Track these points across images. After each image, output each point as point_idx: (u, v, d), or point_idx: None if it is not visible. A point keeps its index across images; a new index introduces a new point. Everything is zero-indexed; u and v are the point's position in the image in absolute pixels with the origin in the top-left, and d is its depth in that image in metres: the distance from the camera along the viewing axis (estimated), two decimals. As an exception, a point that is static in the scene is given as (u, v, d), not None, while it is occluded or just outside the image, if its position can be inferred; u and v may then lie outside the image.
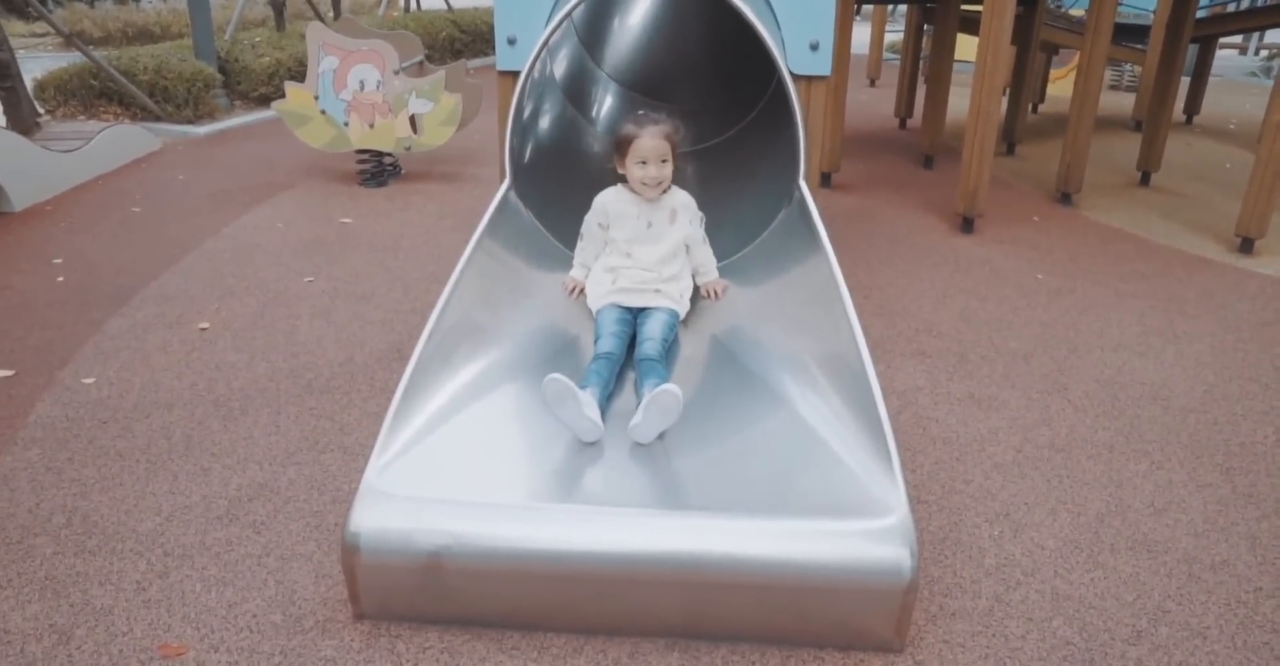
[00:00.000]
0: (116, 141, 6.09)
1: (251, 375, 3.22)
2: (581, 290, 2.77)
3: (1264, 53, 13.60)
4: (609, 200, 2.76)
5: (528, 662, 2.00)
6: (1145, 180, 6.14)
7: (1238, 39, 13.66)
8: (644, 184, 2.66)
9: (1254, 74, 12.10)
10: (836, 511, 2.01)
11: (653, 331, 2.49)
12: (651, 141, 2.64)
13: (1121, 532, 2.47)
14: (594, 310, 2.65)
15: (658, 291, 2.63)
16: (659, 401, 2.13)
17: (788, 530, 1.98)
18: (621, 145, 2.68)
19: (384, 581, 2.02)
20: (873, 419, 2.16)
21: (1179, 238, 5.06)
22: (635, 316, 2.59)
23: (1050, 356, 3.51)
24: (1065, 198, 5.59)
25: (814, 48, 2.86)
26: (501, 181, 2.86)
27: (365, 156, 5.65)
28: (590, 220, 2.78)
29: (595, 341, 2.50)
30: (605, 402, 2.29)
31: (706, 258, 2.83)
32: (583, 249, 2.82)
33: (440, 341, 2.29)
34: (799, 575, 1.94)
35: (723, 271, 2.81)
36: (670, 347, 2.50)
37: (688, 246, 2.77)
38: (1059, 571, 2.31)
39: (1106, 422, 3.03)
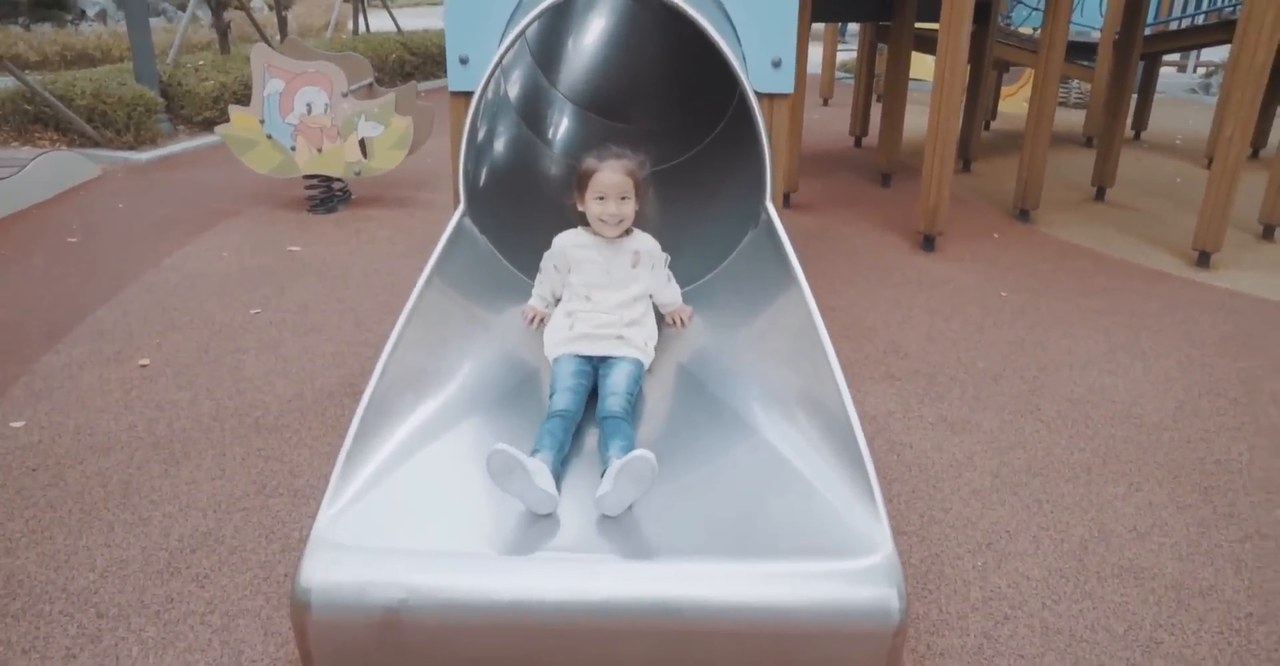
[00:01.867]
0: (52, 168, 5.86)
1: (195, 414, 3.05)
2: (541, 319, 2.62)
3: (1201, 70, 13.92)
4: (567, 243, 2.57)
5: (495, 720, 1.86)
6: (1100, 195, 6.18)
7: (1176, 56, 13.96)
8: (602, 221, 2.48)
9: (1193, 91, 12.35)
10: (817, 551, 1.90)
11: (616, 385, 2.29)
12: (612, 176, 2.45)
13: (1106, 559, 2.40)
14: (550, 359, 2.45)
15: (620, 338, 2.43)
16: (632, 469, 1.91)
17: (766, 572, 1.87)
18: (581, 180, 2.50)
19: (337, 640, 1.87)
20: (852, 450, 2.06)
21: (1137, 252, 5.07)
22: (596, 367, 2.39)
23: (1020, 376, 3.46)
24: (1023, 214, 5.59)
25: (776, 65, 2.78)
26: (455, 207, 2.73)
27: (314, 182, 5.49)
28: (547, 261, 2.61)
29: (550, 396, 2.29)
30: (560, 467, 2.09)
31: (672, 294, 2.67)
32: (541, 282, 2.66)
33: (393, 380, 2.16)
34: (780, 620, 1.82)
35: (687, 297, 2.70)
36: (635, 402, 2.33)
37: (651, 294, 2.63)
38: (1047, 603, 2.23)
39: (1081, 443, 2.98)
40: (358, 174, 5.38)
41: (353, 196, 5.73)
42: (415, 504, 1.99)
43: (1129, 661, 2.05)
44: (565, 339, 2.44)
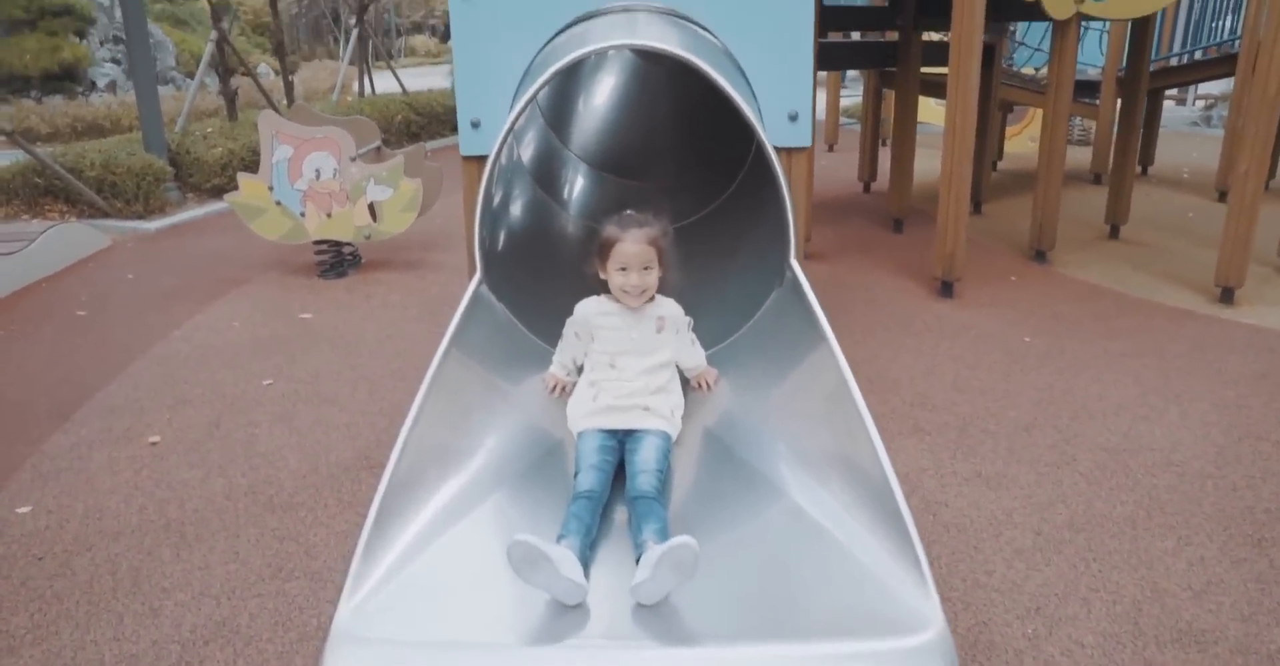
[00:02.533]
0: (61, 241, 5.86)
1: (207, 494, 2.97)
2: (563, 388, 2.54)
3: (1201, 102, 13.97)
4: (590, 311, 2.50)
5: None
6: (1114, 233, 6.12)
7: (1174, 91, 14.02)
8: (625, 292, 2.41)
9: (1195, 123, 12.38)
10: (863, 630, 1.80)
11: (646, 462, 2.18)
12: (634, 247, 2.37)
13: (1163, 622, 2.28)
14: (574, 432, 2.35)
15: (646, 409, 2.33)
16: (674, 557, 1.78)
17: (810, 656, 1.76)
18: (603, 249, 2.42)
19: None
20: (893, 518, 1.97)
21: (1157, 290, 4.99)
22: (622, 442, 2.29)
23: (1052, 425, 3.36)
24: (1039, 255, 5.53)
25: (793, 119, 2.74)
26: (470, 273, 2.68)
27: (323, 247, 5.46)
28: (569, 329, 2.54)
29: (575, 475, 2.18)
30: (589, 551, 1.97)
31: (697, 357, 2.58)
32: (563, 349, 2.58)
33: (413, 459, 2.07)
34: (828, 706, 1.72)
35: (713, 359, 2.63)
36: (667, 479, 2.23)
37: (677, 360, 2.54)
38: (1105, 674, 2.11)
39: (1123, 495, 2.87)
40: (368, 237, 5.36)
41: (363, 260, 5.71)
42: (439, 592, 1.90)
43: (1201, 737, 1.93)
44: (589, 412, 2.36)
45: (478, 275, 2.63)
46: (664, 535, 1.93)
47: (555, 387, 2.55)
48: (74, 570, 2.58)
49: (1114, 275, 5.27)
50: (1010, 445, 3.20)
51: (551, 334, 2.62)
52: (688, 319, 2.55)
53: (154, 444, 3.33)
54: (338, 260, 5.49)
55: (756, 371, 2.56)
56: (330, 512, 2.83)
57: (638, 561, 1.88)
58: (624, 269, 2.39)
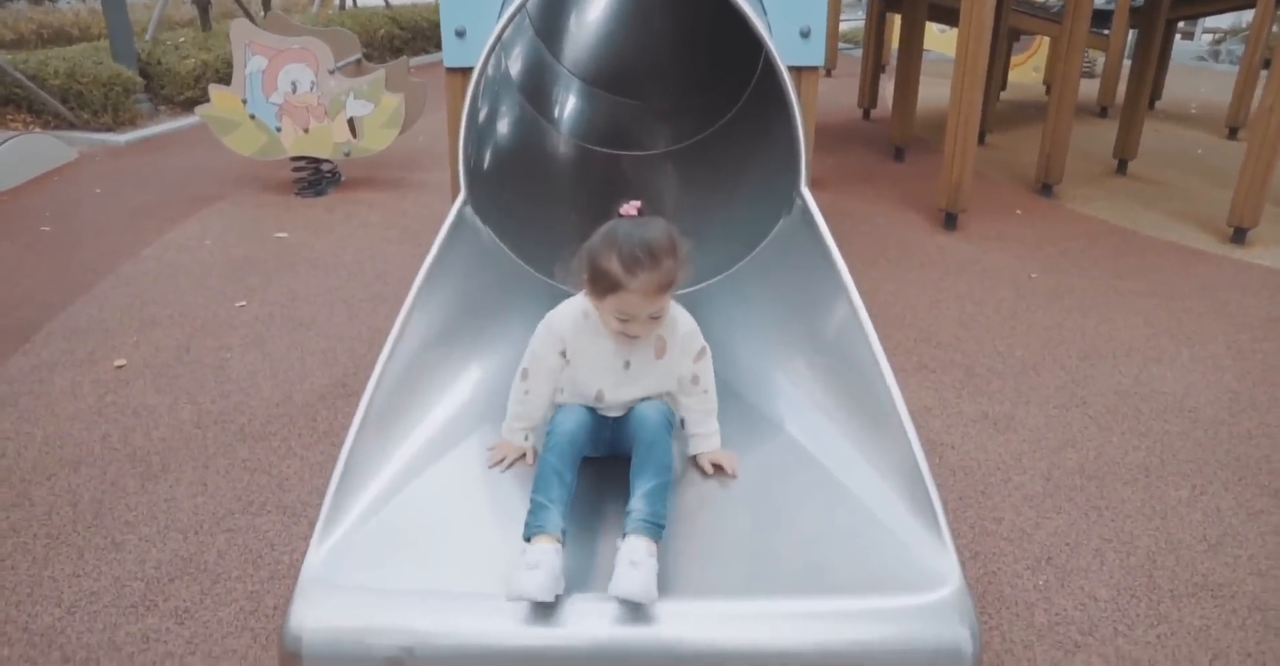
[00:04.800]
0: (24, 152, 5.57)
1: (175, 421, 2.81)
2: (514, 461, 1.95)
3: (1208, 37, 13.63)
4: (567, 330, 1.87)
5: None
6: (1122, 168, 5.93)
7: (1180, 23, 13.66)
8: (624, 335, 1.81)
9: (1202, 58, 12.09)
10: (876, 586, 1.67)
11: (645, 417, 1.83)
12: (641, 300, 1.73)
13: (1178, 575, 2.18)
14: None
15: (640, 399, 1.91)
16: (630, 558, 1.58)
17: (818, 612, 1.64)
18: (599, 280, 1.75)
19: (333, 693, 1.64)
20: (909, 467, 1.84)
21: (1167, 228, 4.83)
22: (612, 424, 1.91)
23: (1061, 365, 3.23)
24: (1046, 189, 5.35)
25: (805, 35, 2.53)
26: (454, 193, 2.48)
27: (301, 163, 5.21)
28: (543, 351, 1.88)
29: (548, 434, 1.81)
30: (569, 508, 1.70)
31: (705, 416, 1.94)
32: (527, 397, 1.92)
33: (390, 392, 1.92)
34: (840, 660, 1.60)
35: (714, 290, 2.45)
36: (671, 429, 1.87)
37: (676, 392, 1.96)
38: (1119, 628, 2.01)
39: (1135, 441, 2.75)
40: (347, 155, 5.11)
41: (342, 178, 5.46)
42: (416, 536, 1.76)
43: (1221, 698, 1.84)
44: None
45: (462, 195, 2.44)
46: (654, 502, 1.69)
47: (506, 460, 1.94)
48: (32, 500, 2.43)
49: (1122, 212, 5.11)
50: (1018, 386, 3.08)
51: (539, 259, 2.43)
52: (702, 343, 1.92)
53: (119, 367, 3.15)
54: (316, 178, 5.25)
55: (761, 304, 2.41)
56: (304, 443, 2.68)
57: (626, 517, 1.68)
58: (625, 319, 1.78)
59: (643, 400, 1.89)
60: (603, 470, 1.88)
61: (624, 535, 1.65)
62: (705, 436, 1.95)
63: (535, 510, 1.68)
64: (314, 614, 1.63)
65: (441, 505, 1.82)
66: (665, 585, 1.64)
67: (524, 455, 1.94)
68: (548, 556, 1.60)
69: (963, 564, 1.73)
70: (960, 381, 3.09)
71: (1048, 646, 1.96)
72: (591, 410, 1.88)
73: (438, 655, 1.60)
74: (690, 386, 1.93)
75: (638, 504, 1.69)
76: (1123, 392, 3.05)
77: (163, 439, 2.72)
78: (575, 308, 1.88)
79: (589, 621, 1.62)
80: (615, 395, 1.88)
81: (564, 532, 1.65)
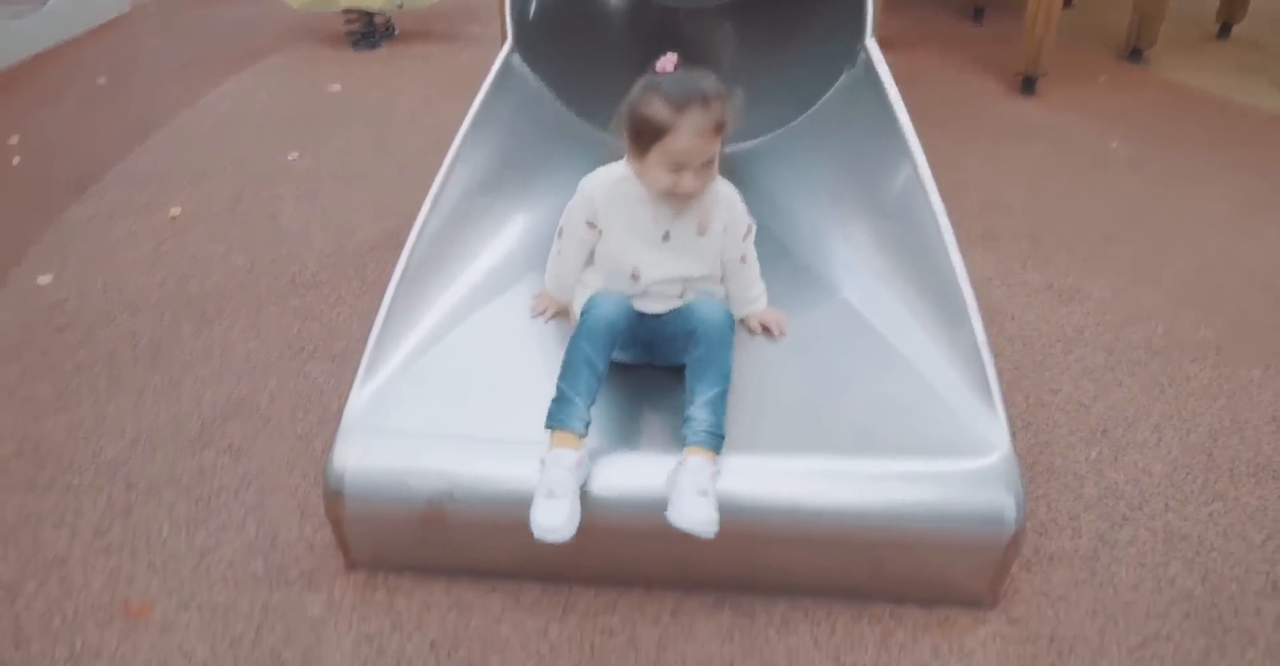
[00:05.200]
0: (77, 4, 5.49)
1: (228, 269, 2.83)
2: (555, 313, 1.95)
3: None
4: (601, 195, 1.75)
5: (551, 622, 1.69)
6: (1225, 32, 5.48)
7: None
8: (672, 193, 1.68)
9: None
10: (924, 450, 1.65)
11: (706, 317, 1.70)
12: (694, 141, 1.60)
13: (1240, 455, 2.11)
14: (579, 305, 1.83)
15: (681, 298, 1.81)
16: (692, 485, 1.54)
17: (864, 472, 1.63)
18: (643, 130, 1.63)
19: (375, 531, 1.70)
20: (965, 334, 1.78)
21: (1269, 98, 4.49)
22: (651, 325, 1.80)
23: (1136, 239, 3.08)
24: (1135, 54, 4.98)
25: None
26: (502, 42, 2.38)
27: (353, 16, 5.06)
28: (574, 216, 1.79)
29: (578, 325, 1.71)
30: (595, 399, 1.65)
31: (749, 282, 1.89)
32: (560, 257, 1.87)
33: (433, 239, 1.89)
34: (877, 524, 1.60)
35: (770, 145, 2.34)
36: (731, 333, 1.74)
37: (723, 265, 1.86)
38: (1171, 504, 1.97)
39: (1209, 318, 2.63)
40: (400, 7, 4.94)
41: (397, 32, 5.30)
42: (457, 382, 1.77)
43: (1269, 577, 1.80)
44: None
45: (509, 44, 2.33)
46: (716, 411, 1.62)
47: (547, 311, 1.95)
48: (95, 342, 2.49)
49: (1220, 80, 4.75)
50: (1087, 257, 2.94)
51: (590, 108, 2.33)
52: (749, 220, 1.82)
53: (175, 217, 3.17)
54: (369, 30, 5.10)
55: (819, 163, 2.30)
56: (354, 292, 2.68)
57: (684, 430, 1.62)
58: (677, 167, 1.64)
59: (683, 283, 1.79)
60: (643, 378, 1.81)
61: (685, 445, 1.60)
62: (751, 300, 1.90)
63: (561, 401, 1.62)
64: (356, 455, 1.66)
65: (483, 352, 1.82)
66: (741, 439, 1.63)
67: (565, 309, 1.91)
68: (566, 477, 1.54)
69: (1013, 433, 1.70)
70: (1026, 251, 2.97)
71: (1094, 518, 1.93)
72: (629, 304, 1.77)
73: (477, 499, 1.63)
74: (738, 266, 1.85)
75: (699, 412, 1.62)
76: (1201, 268, 2.90)
77: (217, 286, 2.75)
78: (613, 172, 1.76)
79: (630, 472, 1.62)
80: (652, 273, 1.76)
81: (587, 425, 1.61)
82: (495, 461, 1.63)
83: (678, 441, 1.61)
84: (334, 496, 1.65)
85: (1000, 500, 1.57)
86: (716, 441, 1.60)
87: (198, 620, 1.71)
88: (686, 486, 1.54)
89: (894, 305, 1.91)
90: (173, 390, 2.31)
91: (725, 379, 1.66)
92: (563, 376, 1.64)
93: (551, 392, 1.64)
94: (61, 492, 2.00)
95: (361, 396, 1.73)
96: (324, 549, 1.84)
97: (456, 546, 1.68)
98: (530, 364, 1.81)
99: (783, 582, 1.70)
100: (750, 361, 1.83)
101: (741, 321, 1.91)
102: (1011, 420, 1.71)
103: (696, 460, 1.57)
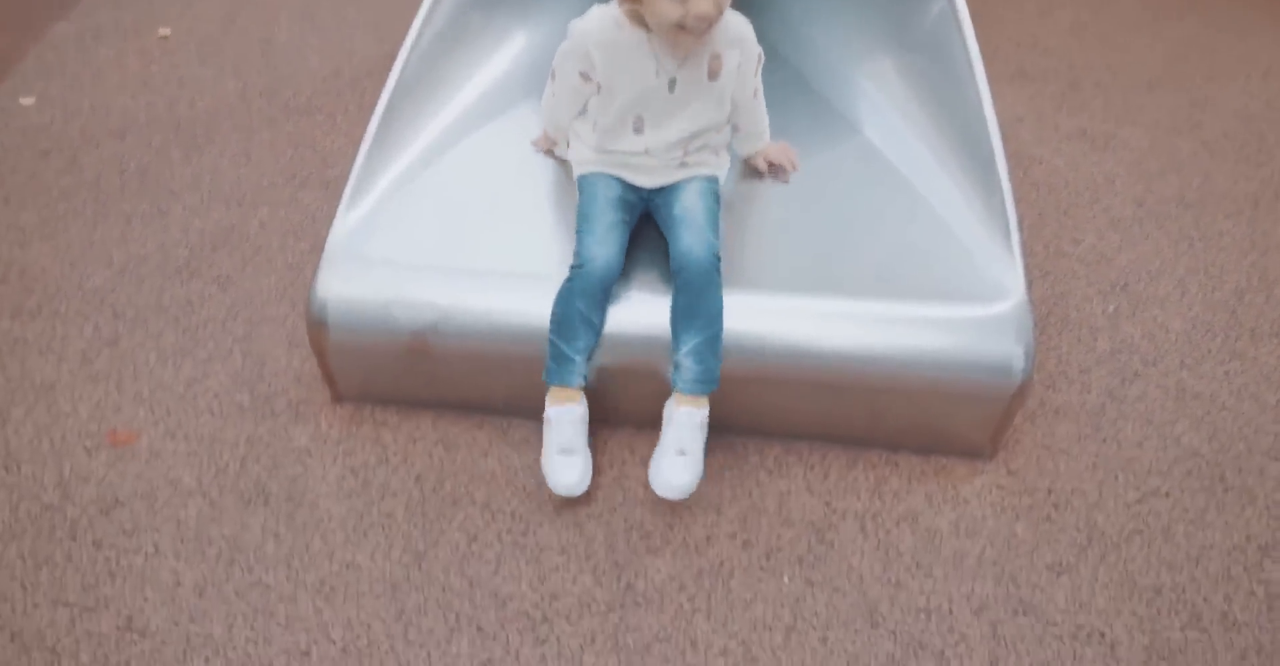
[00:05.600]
0: None
1: (219, 93, 2.70)
2: (554, 146, 1.81)
3: None
4: (595, 45, 1.53)
5: (538, 458, 1.66)
6: None
7: None
8: (681, 29, 1.44)
9: None
10: (933, 294, 1.57)
11: (689, 213, 1.57)
12: None
13: (1265, 314, 2.02)
14: (575, 176, 1.71)
15: (683, 165, 1.66)
16: (678, 441, 1.54)
17: (868, 313, 1.56)
18: None
19: (360, 362, 1.65)
20: (988, 175, 1.66)
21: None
22: (645, 198, 1.67)
23: (1181, 85, 2.88)
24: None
25: None
26: None
27: None
28: (567, 64, 1.61)
29: (577, 229, 1.59)
30: (592, 353, 1.57)
31: (756, 119, 1.71)
32: (554, 100, 1.69)
33: (427, 56, 1.76)
34: (880, 368, 1.54)
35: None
36: (718, 228, 1.60)
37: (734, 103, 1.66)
38: (1187, 361, 1.90)
39: (1249, 171, 2.48)
40: None
41: None
42: (445, 211, 1.68)
43: (1279, 438, 1.75)
44: (598, 161, 1.67)
45: None
46: (704, 359, 1.51)
47: (550, 149, 1.82)
48: (81, 167, 2.40)
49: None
50: (1126, 103, 2.76)
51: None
52: (758, 49, 1.62)
53: (164, 37, 3.00)
54: None
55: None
56: (350, 119, 2.56)
57: (671, 375, 1.55)
58: None
59: (687, 143, 1.61)
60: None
61: (673, 391, 1.55)
62: (760, 134, 1.74)
63: (558, 359, 1.54)
64: (340, 283, 1.60)
65: (474, 179, 1.72)
66: (741, 277, 1.56)
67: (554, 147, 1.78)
68: (575, 432, 1.55)
69: (1029, 282, 1.61)
70: (1062, 93, 2.78)
71: (1105, 373, 1.87)
72: (624, 185, 1.64)
73: (463, 332, 1.57)
74: (750, 102, 1.67)
75: (686, 361, 1.52)
76: (1247, 117, 2.72)
77: (207, 110, 2.62)
78: (605, 15, 1.54)
79: (620, 313, 1.56)
80: (658, 131, 1.59)
81: (586, 377, 1.57)
82: (483, 293, 1.57)
83: (671, 281, 1.54)
84: (317, 326, 1.60)
85: (1009, 349, 1.50)
86: (705, 388, 1.53)
87: (184, 449, 1.70)
88: (668, 445, 1.53)
89: (915, 143, 1.78)
90: (161, 218, 2.23)
91: (713, 323, 1.52)
92: (558, 333, 1.53)
93: (542, 222, 1.56)
94: (48, 319, 1.96)
95: (346, 223, 1.65)
96: (311, 381, 1.80)
97: (443, 379, 1.64)
98: (523, 192, 1.71)
99: (779, 426, 1.66)
100: (763, 198, 1.73)
101: (747, 161, 1.78)
102: (1028, 268, 1.63)
103: (682, 412, 1.53)
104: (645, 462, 1.66)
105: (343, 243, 1.63)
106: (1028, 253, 2.10)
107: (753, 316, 1.54)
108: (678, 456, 1.52)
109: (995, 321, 1.51)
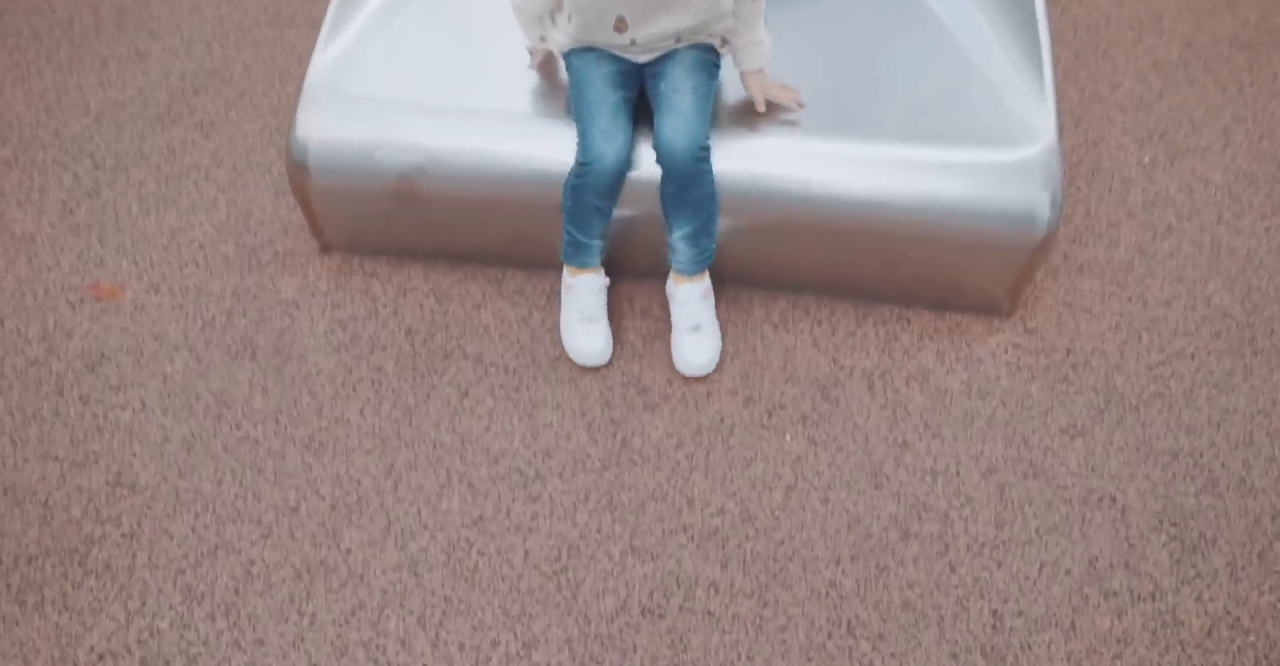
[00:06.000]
0: None
1: (197, -74, 2.51)
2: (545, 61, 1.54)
3: None
4: None
5: (533, 310, 1.61)
6: None
7: None
8: None
9: None
10: (958, 137, 1.45)
11: (678, 84, 1.39)
12: None
13: (1315, 163, 1.89)
14: (559, 55, 1.49)
15: (678, 40, 1.42)
16: (689, 317, 1.53)
17: (888, 157, 1.45)
18: None
19: (346, 209, 1.57)
20: (1024, 11, 1.51)
21: None
22: (639, 68, 1.45)
23: (1245, -87, 2.62)
24: None
25: None
26: None
27: None
28: None
29: (576, 115, 1.42)
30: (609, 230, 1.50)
31: (756, 17, 1.40)
32: (528, 14, 1.44)
33: None
34: (897, 214, 1.44)
35: None
36: (713, 101, 1.44)
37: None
38: (1224, 216, 1.78)
39: (1312, 9, 2.28)
40: None
41: None
42: (430, 47, 1.55)
43: (1319, 293, 1.65)
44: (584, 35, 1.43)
45: None
46: (697, 242, 1.45)
47: (542, 63, 1.54)
48: (52, 6, 2.25)
49: None
50: (1183, -65, 2.52)
51: None
52: None
53: None
54: None
55: None
56: (335, -43, 2.38)
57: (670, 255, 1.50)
58: None
59: (677, 37, 1.41)
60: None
61: (670, 273, 1.52)
62: (758, 41, 1.42)
63: (575, 244, 1.48)
64: (320, 124, 1.51)
65: (461, 11, 1.58)
66: (753, 118, 1.45)
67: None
68: (597, 300, 1.52)
69: (1060, 127, 1.49)
70: (1112, -75, 2.54)
71: (1136, 226, 1.76)
72: (614, 59, 1.43)
73: (452, 174, 1.49)
74: (750, 5, 1.39)
75: (680, 245, 1.47)
76: (1314, -50, 2.48)
77: (184, -56, 2.44)
78: None
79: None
80: (642, 27, 1.37)
81: (604, 253, 1.52)
82: (472, 133, 1.46)
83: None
84: (298, 170, 1.51)
85: (1034, 197, 1.40)
86: (701, 266, 1.50)
87: (169, 302, 1.64)
88: (680, 324, 1.50)
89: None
90: (139, 61, 2.10)
91: (703, 210, 1.42)
92: (572, 222, 1.46)
93: (526, 71, 1.44)
94: (25, 169, 1.87)
95: (325, 59, 1.53)
96: (298, 231, 1.73)
97: (433, 227, 1.55)
98: (508, 30, 1.57)
99: (786, 278, 1.58)
100: (779, 35, 1.58)
101: (743, 80, 1.47)
102: (1061, 113, 1.51)
103: (682, 290, 1.51)
104: (644, 313, 1.60)
105: (323, 80, 1.52)
106: (1061, 97, 1.96)
107: (765, 160, 1.44)
108: (692, 333, 1.50)
109: (1021, 166, 1.40)
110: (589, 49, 1.43)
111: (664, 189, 1.42)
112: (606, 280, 1.54)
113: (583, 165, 1.39)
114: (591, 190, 1.41)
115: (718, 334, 1.53)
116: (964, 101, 1.46)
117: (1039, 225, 1.41)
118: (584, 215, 1.44)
